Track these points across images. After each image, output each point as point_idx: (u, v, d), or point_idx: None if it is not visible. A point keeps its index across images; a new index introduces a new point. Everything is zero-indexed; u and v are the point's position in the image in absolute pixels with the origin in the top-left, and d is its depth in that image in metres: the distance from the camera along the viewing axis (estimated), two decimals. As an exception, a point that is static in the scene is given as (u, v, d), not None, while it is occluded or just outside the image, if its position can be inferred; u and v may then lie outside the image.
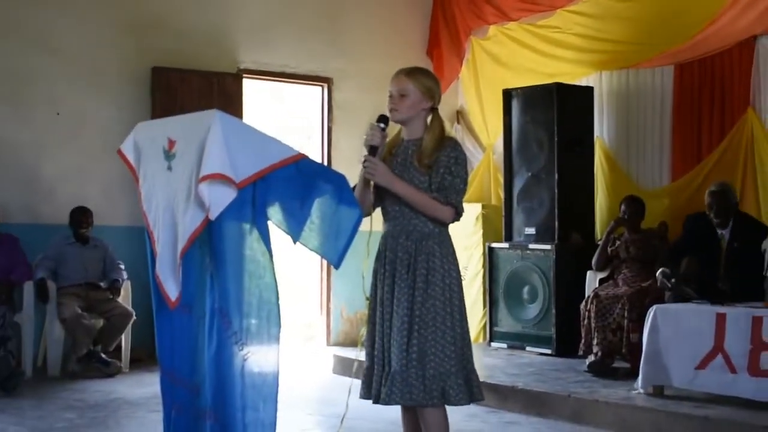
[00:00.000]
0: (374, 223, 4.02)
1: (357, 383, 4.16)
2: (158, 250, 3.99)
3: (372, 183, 4.04)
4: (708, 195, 6.86)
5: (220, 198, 3.64)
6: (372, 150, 3.96)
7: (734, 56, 8.01)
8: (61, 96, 8.45)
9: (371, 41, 10.14)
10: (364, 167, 3.97)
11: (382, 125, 4.00)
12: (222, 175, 3.60)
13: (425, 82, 4.08)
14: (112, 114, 8.55)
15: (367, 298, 4.14)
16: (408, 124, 4.10)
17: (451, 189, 3.97)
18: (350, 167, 7.92)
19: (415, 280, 3.98)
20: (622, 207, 7.77)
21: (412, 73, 4.09)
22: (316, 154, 9.62)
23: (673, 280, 6.53)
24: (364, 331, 4.18)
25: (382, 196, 4.10)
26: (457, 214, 4.01)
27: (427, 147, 4.01)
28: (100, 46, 8.60)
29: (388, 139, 4.10)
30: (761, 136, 7.75)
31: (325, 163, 9.55)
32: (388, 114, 4.07)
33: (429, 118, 4.10)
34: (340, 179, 3.80)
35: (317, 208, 3.81)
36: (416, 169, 4.00)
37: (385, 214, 4.14)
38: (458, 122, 10.40)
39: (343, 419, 4.16)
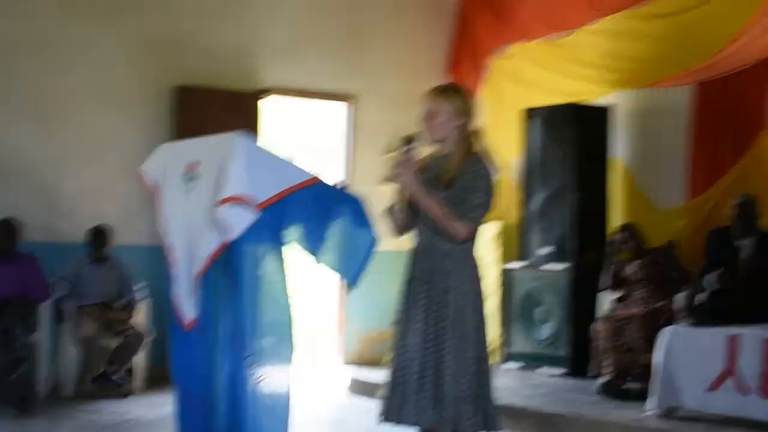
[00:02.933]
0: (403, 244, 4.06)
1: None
2: (176, 272, 4.11)
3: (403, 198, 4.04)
4: (732, 206, 6.92)
5: (239, 220, 3.75)
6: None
7: (750, 74, 7.96)
8: (83, 114, 8.46)
9: (393, 60, 10.18)
10: (395, 166, 3.94)
11: (409, 147, 3.98)
12: (242, 198, 3.72)
13: (457, 100, 4.08)
14: (133, 133, 8.58)
15: (397, 322, 4.10)
16: (442, 143, 4.11)
17: (467, 204, 3.93)
18: (372, 185, 8.04)
19: (429, 300, 3.97)
20: (621, 237, 7.78)
21: (443, 91, 4.12)
22: (338, 172, 9.67)
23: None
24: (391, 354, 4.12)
25: (414, 213, 4.09)
26: (472, 232, 3.97)
27: (451, 163, 4.00)
28: (122, 65, 8.63)
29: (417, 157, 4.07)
30: (779, 156, 7.80)
31: (347, 181, 9.60)
32: (415, 134, 4.05)
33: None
34: (356, 202, 3.92)
35: (335, 230, 3.93)
36: (439, 184, 4.00)
37: (415, 231, 4.13)
38: (476, 140, 10.42)
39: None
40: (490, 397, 4.03)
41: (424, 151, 4.18)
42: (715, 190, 8.15)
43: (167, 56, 8.84)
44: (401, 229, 4.13)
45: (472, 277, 4.05)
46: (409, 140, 4.01)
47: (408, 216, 4.10)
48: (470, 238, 4.03)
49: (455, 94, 4.14)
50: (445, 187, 3.98)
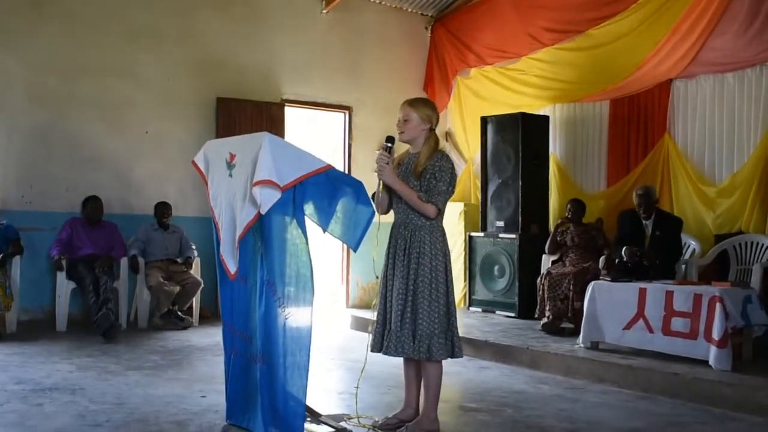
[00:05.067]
0: (382, 219, 4.02)
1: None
2: (222, 236, 4.01)
3: (383, 187, 4.02)
4: (636, 195, 6.87)
5: (268, 198, 3.65)
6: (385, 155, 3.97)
7: (655, 94, 8.02)
8: (148, 119, 8.46)
9: (381, 79, 10.15)
10: (377, 166, 3.97)
11: (389, 144, 4.00)
12: (270, 181, 3.61)
13: (424, 109, 4.04)
14: (185, 133, 8.58)
15: (377, 277, 4.12)
16: (412, 143, 4.09)
17: (434, 191, 3.92)
18: (366, 175, 7.94)
19: (409, 261, 3.97)
20: (569, 206, 7.78)
21: (413, 102, 4.08)
22: (339, 165, 9.62)
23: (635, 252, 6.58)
24: (376, 301, 4.14)
25: (393, 198, 4.09)
26: (439, 210, 3.96)
27: (421, 159, 3.99)
28: (177, 80, 8.62)
29: (397, 155, 4.08)
30: (674, 155, 7.77)
31: (347, 172, 9.56)
32: (395, 135, 4.06)
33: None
34: (359, 184, 3.83)
35: (341, 206, 3.82)
36: (413, 175, 3.99)
37: (393, 210, 4.13)
38: (447, 141, 10.40)
39: (363, 368, 4.12)
40: (455, 332, 4.03)
41: (401, 149, 4.15)
42: (627, 179, 8.19)
43: (210, 74, 8.82)
44: (384, 209, 4.11)
45: (442, 244, 4.03)
46: (389, 141, 4.01)
47: (388, 199, 4.09)
48: (439, 215, 4.02)
49: (423, 104, 4.10)
50: (417, 177, 3.97)
